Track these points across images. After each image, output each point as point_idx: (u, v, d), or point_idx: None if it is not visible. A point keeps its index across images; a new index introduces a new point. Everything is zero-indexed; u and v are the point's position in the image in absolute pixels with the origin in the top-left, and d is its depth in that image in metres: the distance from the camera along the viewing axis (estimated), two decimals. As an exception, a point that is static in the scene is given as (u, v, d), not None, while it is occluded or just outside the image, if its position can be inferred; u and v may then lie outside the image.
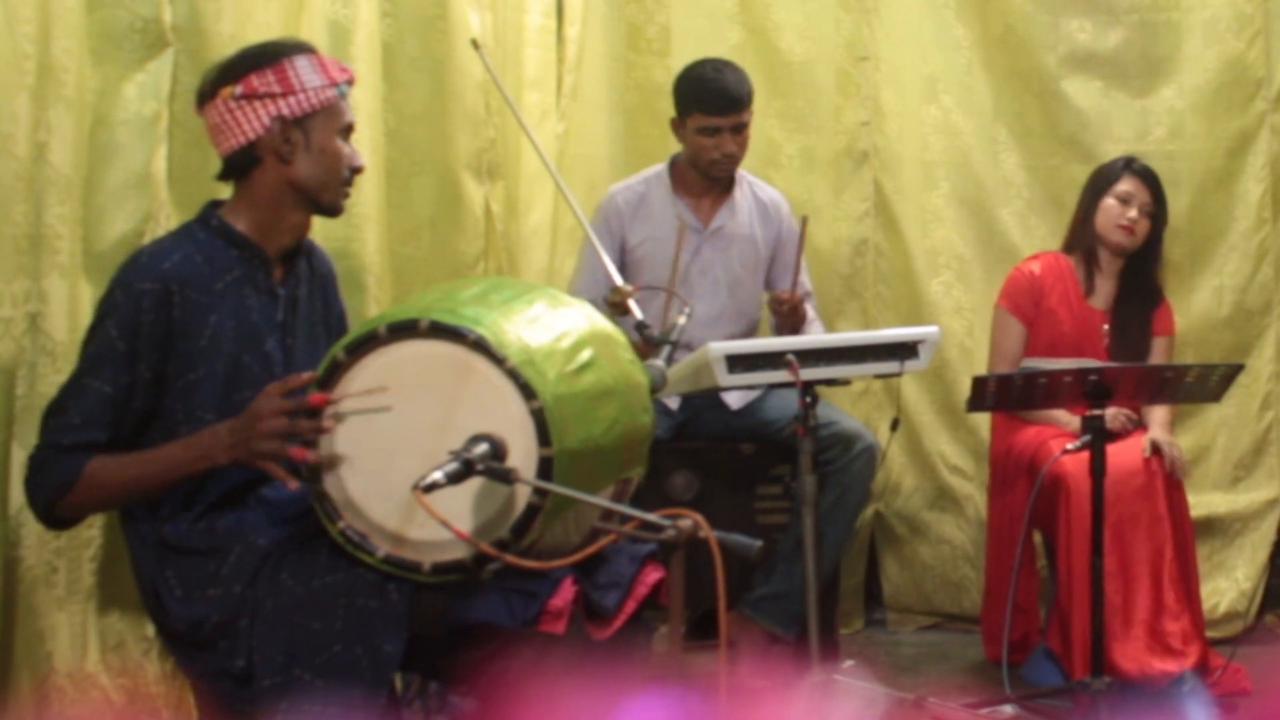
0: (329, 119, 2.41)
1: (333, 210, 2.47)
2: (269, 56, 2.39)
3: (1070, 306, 3.97)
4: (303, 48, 2.43)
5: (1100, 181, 4.00)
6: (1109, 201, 3.95)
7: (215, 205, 2.45)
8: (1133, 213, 3.92)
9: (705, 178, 3.92)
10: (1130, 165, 3.98)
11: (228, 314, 2.35)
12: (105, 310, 2.31)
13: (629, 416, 2.29)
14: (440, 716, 2.96)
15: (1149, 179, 3.95)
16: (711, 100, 3.79)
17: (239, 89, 2.37)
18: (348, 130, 2.46)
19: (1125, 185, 3.94)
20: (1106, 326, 3.97)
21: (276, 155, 2.38)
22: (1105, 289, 4.00)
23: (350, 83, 2.47)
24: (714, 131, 3.81)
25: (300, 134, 2.38)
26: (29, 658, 2.49)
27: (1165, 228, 4.00)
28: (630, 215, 3.95)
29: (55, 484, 2.26)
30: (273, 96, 2.36)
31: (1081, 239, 4.01)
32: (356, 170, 2.47)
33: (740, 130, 3.84)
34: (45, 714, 2.48)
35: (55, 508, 2.29)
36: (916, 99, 4.50)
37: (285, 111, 2.37)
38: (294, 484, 2.21)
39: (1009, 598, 3.68)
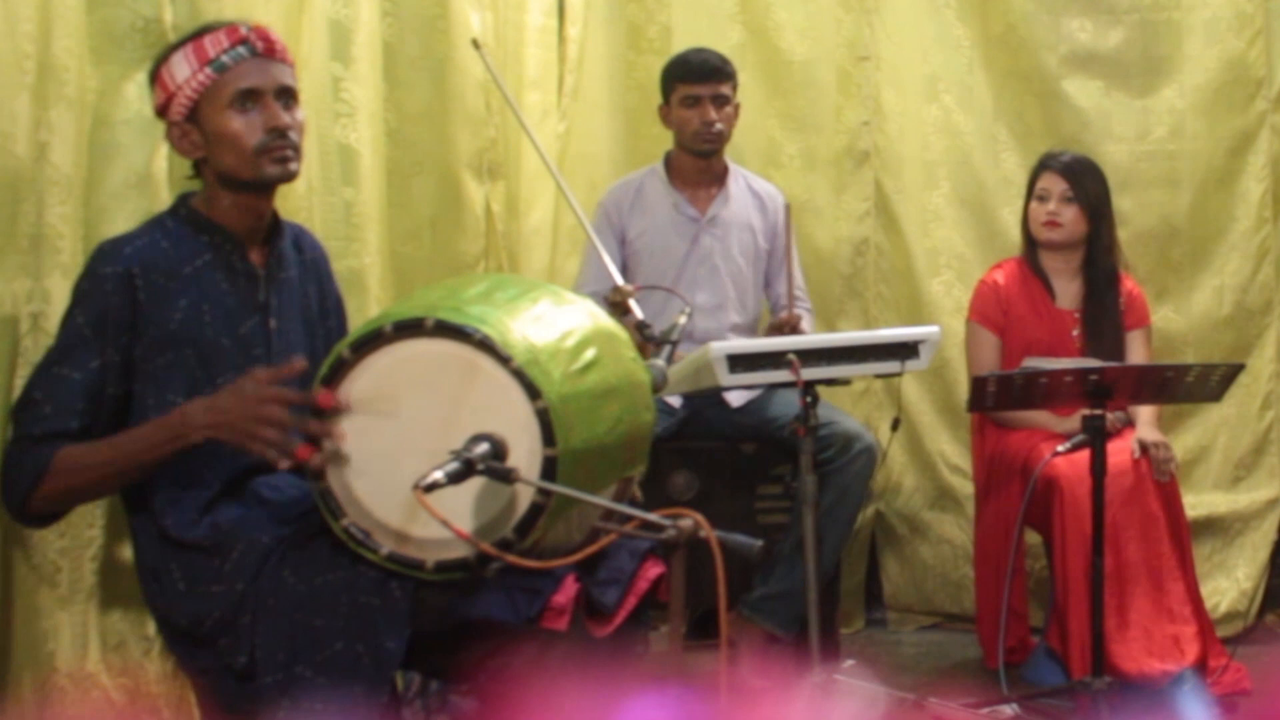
0: (212, 100, 2.34)
1: (262, 183, 2.38)
2: (154, 69, 2.40)
3: (1038, 311, 3.96)
4: (183, 40, 2.39)
5: (1028, 188, 4.01)
6: (1033, 204, 3.97)
7: (187, 196, 2.45)
8: (1051, 205, 3.91)
9: (693, 154, 3.99)
10: (1046, 163, 3.97)
11: (199, 298, 2.34)
12: (73, 301, 2.32)
13: (632, 415, 2.29)
14: (441, 715, 2.96)
15: (1066, 169, 3.91)
16: (691, 70, 3.94)
17: (156, 110, 2.40)
18: (246, 96, 2.33)
19: (1042, 183, 3.94)
20: (1077, 328, 3.95)
21: (196, 157, 2.39)
22: (1071, 290, 3.97)
23: (243, 42, 2.34)
24: (695, 101, 3.93)
25: (195, 129, 2.36)
26: (30, 658, 2.48)
27: (1108, 212, 3.94)
28: (628, 208, 4.02)
29: (28, 475, 2.24)
30: (164, 107, 2.37)
31: (1027, 246, 4.01)
32: (276, 129, 2.33)
33: (722, 104, 3.95)
34: (46, 714, 2.48)
35: (29, 501, 2.25)
36: (917, 99, 4.51)
37: (175, 117, 2.36)
38: (285, 464, 2.17)
39: (1004, 601, 3.67)
